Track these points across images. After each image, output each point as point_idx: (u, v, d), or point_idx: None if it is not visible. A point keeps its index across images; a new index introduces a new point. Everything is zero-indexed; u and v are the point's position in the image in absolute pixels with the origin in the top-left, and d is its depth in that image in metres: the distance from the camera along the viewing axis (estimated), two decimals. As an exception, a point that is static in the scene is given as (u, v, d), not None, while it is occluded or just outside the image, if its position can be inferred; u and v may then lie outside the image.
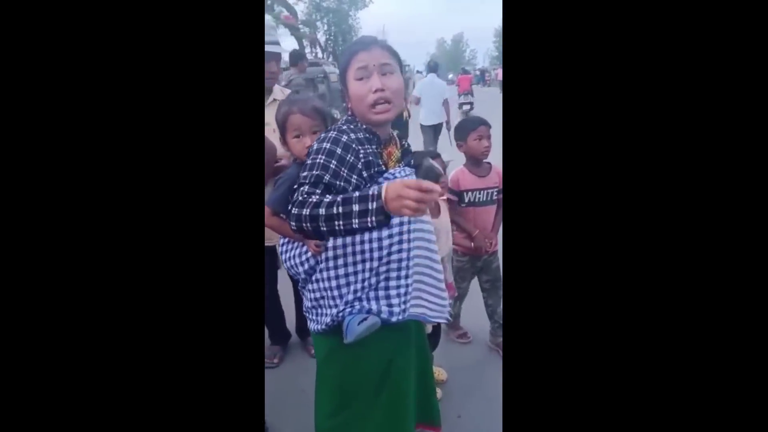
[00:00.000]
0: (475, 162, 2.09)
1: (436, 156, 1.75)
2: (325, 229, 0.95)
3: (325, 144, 1.08)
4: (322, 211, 0.93)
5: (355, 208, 0.92)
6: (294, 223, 0.99)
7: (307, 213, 0.95)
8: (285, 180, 1.24)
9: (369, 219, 0.91)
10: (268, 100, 1.96)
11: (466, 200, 2.10)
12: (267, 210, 1.23)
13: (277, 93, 2.01)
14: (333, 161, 1.05)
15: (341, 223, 0.93)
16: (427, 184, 0.87)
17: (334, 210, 0.92)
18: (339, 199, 0.94)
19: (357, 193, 0.95)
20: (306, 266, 1.21)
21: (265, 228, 1.94)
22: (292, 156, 1.33)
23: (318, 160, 1.05)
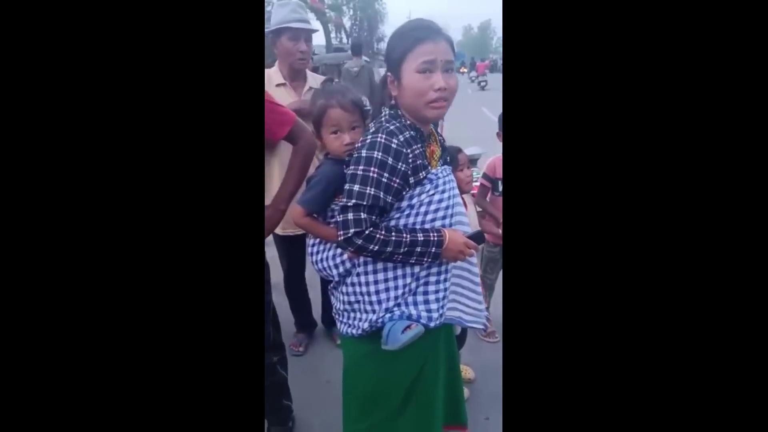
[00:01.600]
0: None
1: (459, 150, 1.70)
2: (383, 257, 1.08)
3: (377, 154, 1.03)
4: (388, 249, 1.05)
5: (417, 250, 1.06)
6: (351, 249, 1.06)
7: (375, 249, 1.04)
8: (320, 180, 1.15)
9: (425, 259, 1.09)
10: (304, 89, 1.92)
11: (500, 189, 2.05)
12: (298, 209, 1.16)
13: (312, 81, 1.96)
14: (385, 174, 1.03)
15: (400, 257, 1.07)
16: (475, 246, 1.11)
17: (399, 249, 1.05)
18: (406, 239, 1.05)
19: (421, 237, 1.06)
20: (341, 269, 1.16)
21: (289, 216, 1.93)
22: (324, 151, 1.23)
23: (372, 174, 1.03)
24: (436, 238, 1.07)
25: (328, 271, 1.19)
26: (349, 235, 1.03)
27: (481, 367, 2.02)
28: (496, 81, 19.34)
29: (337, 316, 1.23)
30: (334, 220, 1.15)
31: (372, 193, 1.03)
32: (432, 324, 1.14)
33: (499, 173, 2.04)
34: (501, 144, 2.04)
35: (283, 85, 1.88)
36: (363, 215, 1.03)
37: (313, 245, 1.23)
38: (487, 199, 2.12)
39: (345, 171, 1.11)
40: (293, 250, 2.04)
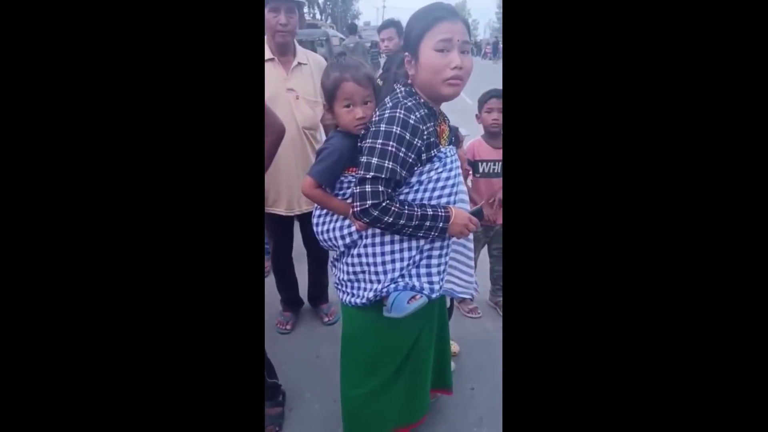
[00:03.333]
0: (490, 133, 2.10)
1: (458, 130, 1.74)
2: (393, 230, 1.11)
3: (396, 129, 1.06)
4: (401, 221, 1.08)
5: (427, 224, 1.11)
6: (366, 220, 1.08)
7: (389, 221, 1.08)
8: (332, 152, 1.16)
9: (432, 233, 1.13)
10: (293, 64, 1.89)
11: (480, 171, 2.12)
12: (309, 180, 1.18)
13: (302, 56, 1.93)
14: (402, 148, 1.07)
15: (410, 230, 1.11)
16: (477, 222, 1.19)
17: (411, 222, 1.09)
18: (417, 213, 1.10)
19: (430, 212, 1.11)
20: (348, 240, 1.20)
21: (270, 195, 1.93)
22: (333, 124, 1.26)
23: (390, 149, 1.06)
24: (443, 214, 1.12)
25: (334, 242, 1.22)
26: (366, 206, 1.06)
27: (464, 341, 2.10)
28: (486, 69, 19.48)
29: (339, 287, 1.27)
30: (342, 192, 1.18)
31: (390, 166, 1.06)
32: (434, 295, 1.20)
33: (479, 155, 2.10)
34: (481, 126, 2.10)
35: (272, 60, 1.85)
36: (381, 188, 1.06)
37: (319, 216, 1.26)
38: (468, 181, 2.17)
39: (360, 144, 1.13)
40: (280, 228, 2.04)
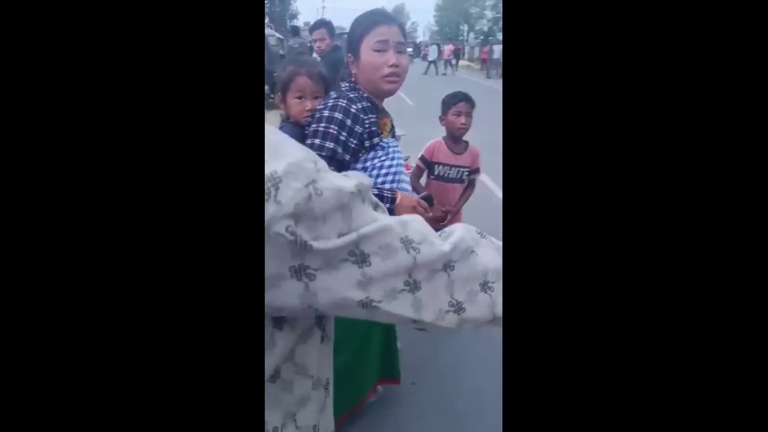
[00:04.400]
0: (453, 137, 2.07)
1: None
2: None
3: (336, 114, 1.15)
4: None
5: None
6: None
7: None
8: None
9: None
10: None
11: (435, 173, 2.11)
12: None
13: None
14: (344, 132, 1.16)
15: None
16: (425, 205, 1.22)
17: None
18: None
19: (375, 191, 1.13)
20: None
21: None
22: (285, 115, 1.36)
23: (331, 131, 1.15)
24: (389, 195, 1.19)
25: None
26: None
27: (407, 337, 2.15)
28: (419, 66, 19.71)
29: None
30: None
31: (331, 146, 1.15)
32: None
33: (437, 158, 2.09)
34: (444, 128, 2.11)
35: None
36: None
37: None
38: (422, 181, 2.20)
39: (306, 131, 1.23)
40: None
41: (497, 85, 15.29)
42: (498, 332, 1.65)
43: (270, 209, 0.44)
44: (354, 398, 1.53)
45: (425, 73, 17.81)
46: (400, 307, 0.48)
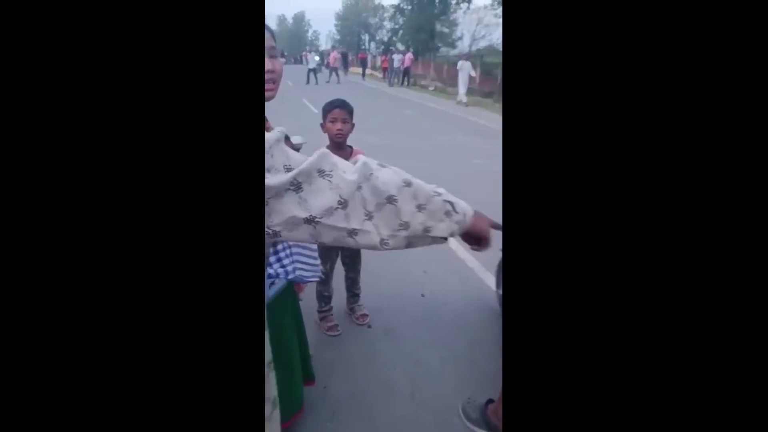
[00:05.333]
0: (335, 144, 2.06)
1: (286, 138, 1.79)
2: None
3: None
4: None
5: None
6: None
7: None
8: None
9: None
10: None
11: None
12: None
13: None
14: None
15: None
16: None
17: None
18: None
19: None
20: None
21: None
22: None
23: None
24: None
25: None
26: None
27: (315, 341, 2.16)
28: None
29: None
30: None
31: None
32: (289, 277, 1.35)
33: None
34: (326, 135, 2.15)
35: None
36: None
37: None
38: None
39: None
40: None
41: (399, 93, 15.85)
42: (406, 328, 1.77)
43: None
44: (297, 404, 1.61)
45: (307, 83, 16.82)
46: (335, 220, 0.68)
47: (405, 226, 0.72)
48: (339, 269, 2.35)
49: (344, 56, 24.88)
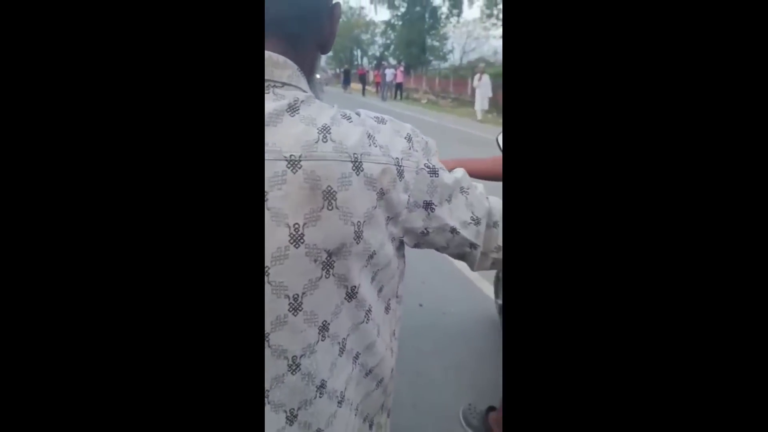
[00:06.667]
0: None
1: None
2: None
3: None
4: None
5: None
6: None
7: None
8: None
9: None
10: None
11: None
12: None
13: None
14: None
15: None
16: None
17: None
18: None
19: None
20: None
21: None
22: None
23: None
24: None
25: None
26: None
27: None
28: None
29: None
30: None
31: None
32: None
33: None
34: None
35: None
36: None
37: None
38: None
39: None
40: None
41: (393, 106, 15.97)
42: (406, 339, 1.75)
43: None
44: None
45: None
46: (469, 234, 0.73)
47: (498, 249, 0.78)
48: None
49: (346, 73, 24.63)
